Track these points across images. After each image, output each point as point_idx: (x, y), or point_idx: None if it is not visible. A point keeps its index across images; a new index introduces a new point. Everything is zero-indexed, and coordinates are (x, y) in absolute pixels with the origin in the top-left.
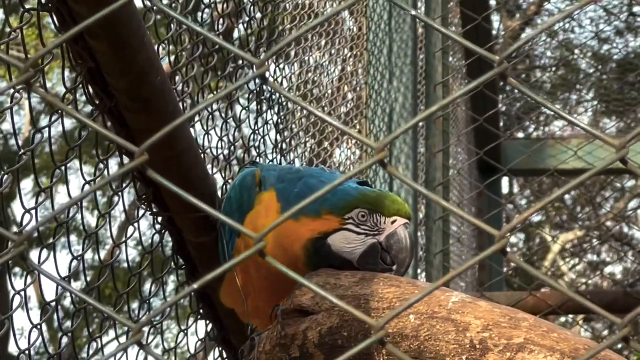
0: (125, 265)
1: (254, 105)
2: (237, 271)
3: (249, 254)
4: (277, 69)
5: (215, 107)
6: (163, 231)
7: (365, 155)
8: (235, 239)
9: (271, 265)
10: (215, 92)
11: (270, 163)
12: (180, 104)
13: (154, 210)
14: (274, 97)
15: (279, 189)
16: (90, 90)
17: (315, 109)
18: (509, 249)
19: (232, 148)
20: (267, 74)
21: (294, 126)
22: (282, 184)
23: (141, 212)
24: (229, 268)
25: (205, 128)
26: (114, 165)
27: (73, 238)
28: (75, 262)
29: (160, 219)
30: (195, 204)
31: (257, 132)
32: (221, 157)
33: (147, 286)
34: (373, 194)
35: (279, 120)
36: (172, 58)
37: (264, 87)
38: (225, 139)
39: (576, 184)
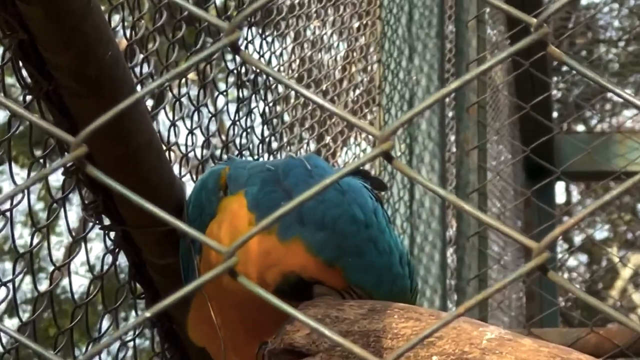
0: (73, 296)
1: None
2: (207, 297)
3: (216, 272)
4: (264, 42)
5: (183, 91)
6: (116, 250)
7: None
8: (195, 255)
9: (240, 289)
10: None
11: (255, 159)
12: (139, 87)
13: (104, 223)
14: (259, 78)
15: (249, 193)
16: (23, 69)
17: (313, 93)
18: (566, 275)
19: (206, 143)
20: (240, 42)
21: (286, 116)
22: (254, 187)
23: (90, 226)
24: (188, 292)
25: (171, 118)
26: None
27: (7, 265)
28: (3, 290)
29: (112, 234)
30: (152, 211)
31: (237, 123)
32: (192, 154)
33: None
34: (387, 292)
35: (267, 109)
36: (129, 30)
37: (246, 65)
38: (197, 132)
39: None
